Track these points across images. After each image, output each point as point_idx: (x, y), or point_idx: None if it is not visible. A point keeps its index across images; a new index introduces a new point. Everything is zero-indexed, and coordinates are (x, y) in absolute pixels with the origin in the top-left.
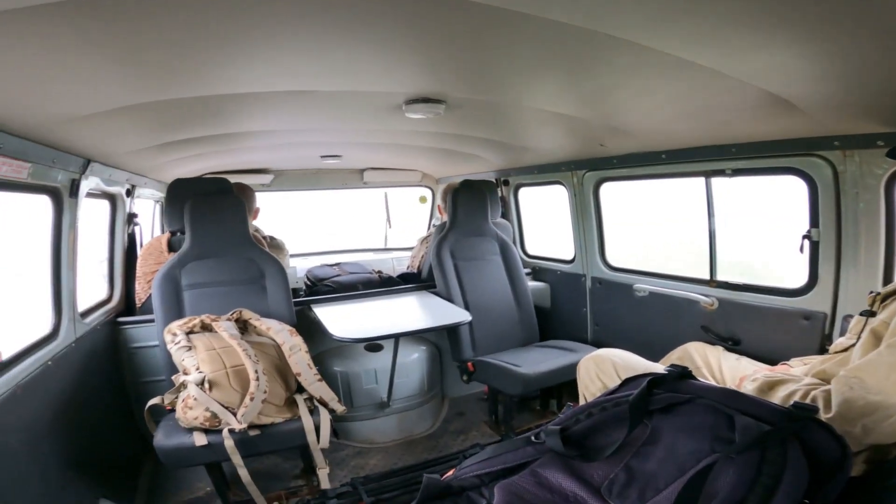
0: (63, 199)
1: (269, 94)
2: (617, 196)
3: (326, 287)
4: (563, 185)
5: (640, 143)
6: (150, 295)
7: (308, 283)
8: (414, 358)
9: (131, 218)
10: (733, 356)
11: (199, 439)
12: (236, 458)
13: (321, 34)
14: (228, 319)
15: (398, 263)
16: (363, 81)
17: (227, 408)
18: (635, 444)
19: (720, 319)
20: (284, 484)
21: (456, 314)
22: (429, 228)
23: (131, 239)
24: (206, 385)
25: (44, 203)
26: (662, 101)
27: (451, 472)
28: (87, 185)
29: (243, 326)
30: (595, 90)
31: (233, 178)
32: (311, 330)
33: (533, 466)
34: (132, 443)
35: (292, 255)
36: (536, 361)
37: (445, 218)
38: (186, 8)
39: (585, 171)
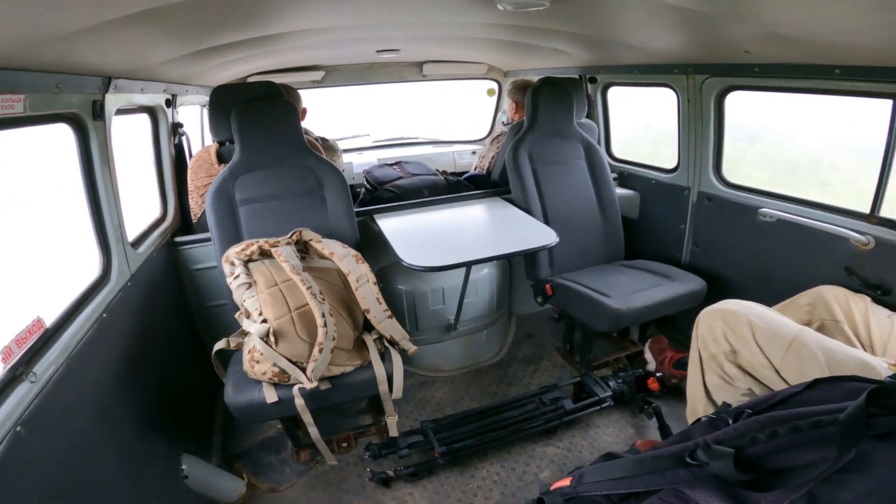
0: (86, 123)
1: None
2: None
3: (389, 192)
4: (673, 88)
5: (807, 53)
6: (205, 210)
7: (368, 185)
8: (484, 274)
9: (176, 128)
10: (884, 311)
11: (270, 395)
12: (307, 417)
13: None
14: (288, 243)
15: (459, 158)
16: None
17: (295, 363)
18: (822, 464)
19: (873, 263)
20: (351, 421)
21: (539, 233)
22: (493, 125)
23: (179, 150)
24: (272, 338)
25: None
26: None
27: (565, 482)
28: (114, 103)
29: (304, 248)
30: None
31: (280, 78)
32: (373, 242)
33: (665, 486)
34: (204, 381)
35: (344, 151)
36: (627, 290)
37: (517, 118)
38: None
39: (707, 76)
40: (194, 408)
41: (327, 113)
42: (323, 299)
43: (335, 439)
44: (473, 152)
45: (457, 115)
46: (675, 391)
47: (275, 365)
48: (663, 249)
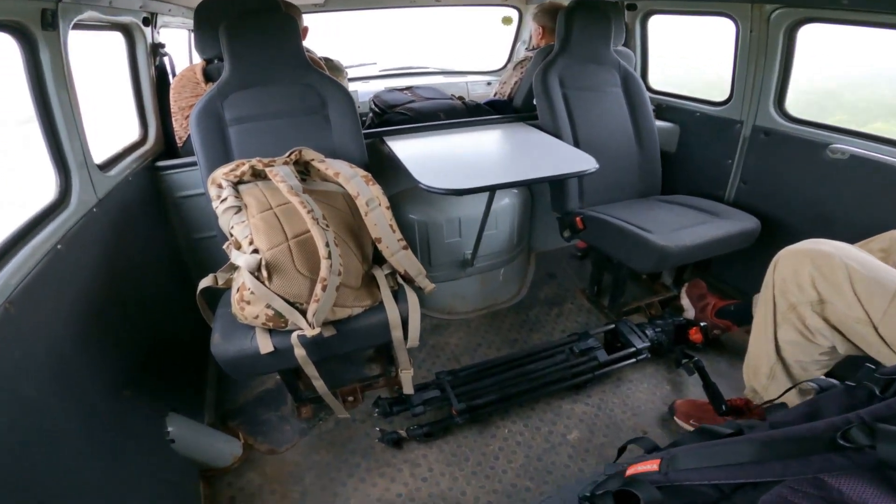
0: (34, 35)
1: None
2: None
3: (400, 115)
4: (733, 18)
5: None
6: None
7: (376, 109)
8: (505, 204)
9: (157, 49)
10: None
11: (264, 344)
12: (310, 369)
13: None
14: (286, 163)
15: (473, 89)
16: None
17: (293, 304)
18: None
19: None
20: (358, 371)
21: (577, 158)
22: (512, 53)
23: (161, 72)
24: (265, 272)
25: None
26: None
27: (649, 465)
28: (70, 13)
29: (304, 170)
30: None
31: None
32: (382, 168)
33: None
34: (194, 326)
35: (350, 79)
36: (671, 226)
37: (545, 43)
38: None
39: (778, 6)
40: (182, 359)
41: (331, 40)
42: (327, 226)
43: (339, 392)
44: (489, 83)
45: (468, 46)
46: (715, 344)
47: (268, 306)
48: (705, 185)
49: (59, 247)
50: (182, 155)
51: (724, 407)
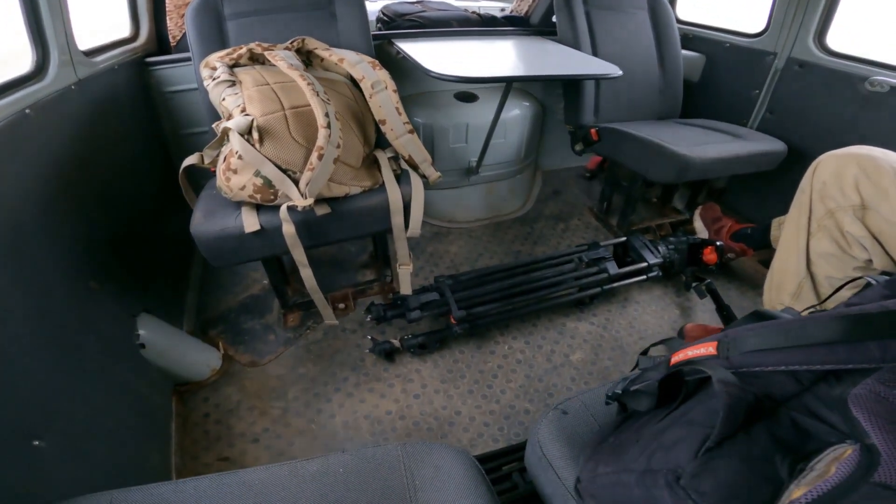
0: None
1: None
2: None
3: (410, 22)
4: None
5: None
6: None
7: (384, 18)
8: (514, 114)
9: None
10: None
11: (250, 223)
12: (298, 254)
13: None
14: (287, 48)
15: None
16: None
17: (286, 171)
18: None
19: None
20: (350, 276)
21: (598, 64)
22: None
23: None
24: (256, 134)
25: None
26: None
27: (703, 348)
28: None
29: (307, 59)
30: None
31: None
32: (391, 71)
33: None
34: (179, 223)
35: None
36: (693, 142)
37: None
38: None
39: None
40: (163, 255)
41: None
42: (328, 100)
43: (330, 298)
44: (502, 9)
45: None
46: (725, 270)
47: (258, 174)
48: (726, 114)
49: (27, 111)
50: (175, 54)
51: None
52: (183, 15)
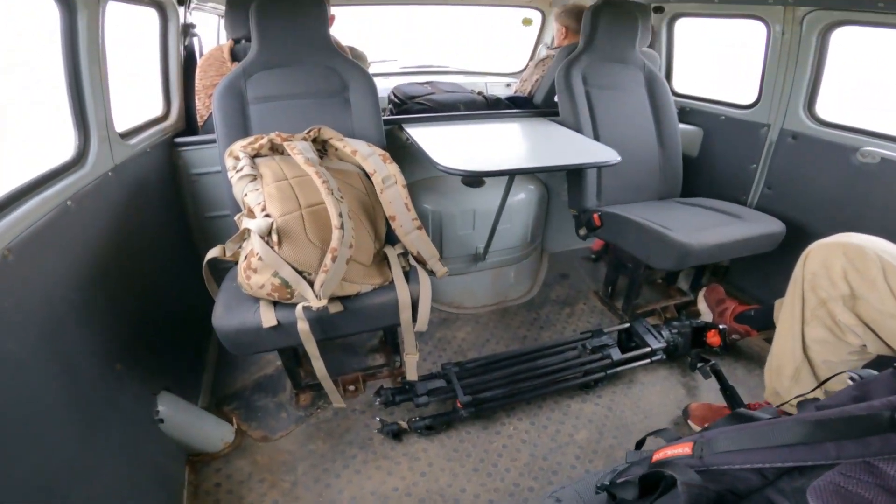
0: (74, 2)
1: None
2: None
3: (419, 105)
4: (764, 20)
5: None
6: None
7: (395, 100)
8: (520, 199)
9: (188, 29)
10: None
11: (267, 318)
12: (311, 347)
13: None
14: (304, 139)
15: (492, 90)
16: None
17: (301, 273)
18: None
19: None
20: (361, 360)
21: (599, 151)
22: (533, 53)
23: (189, 51)
24: (275, 236)
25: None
26: None
27: (680, 449)
28: None
29: (322, 148)
30: None
31: None
32: (399, 156)
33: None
34: (198, 304)
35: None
36: (691, 225)
37: (568, 42)
38: None
39: (813, 8)
40: (182, 337)
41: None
42: (341, 198)
43: (341, 381)
44: (508, 84)
45: (489, 48)
46: (733, 350)
47: (276, 275)
48: (727, 190)
49: (69, 203)
50: (201, 133)
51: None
52: (210, 95)
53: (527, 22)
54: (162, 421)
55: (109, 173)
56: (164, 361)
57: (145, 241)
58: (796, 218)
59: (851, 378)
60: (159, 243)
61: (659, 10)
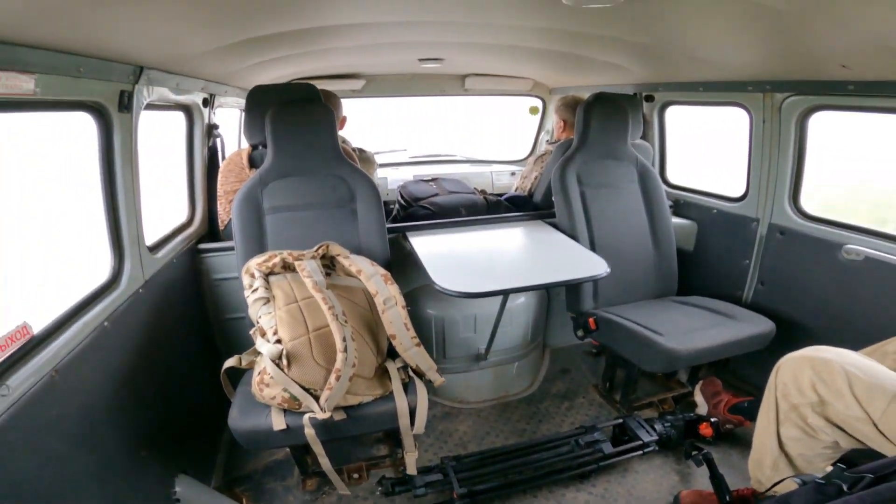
0: (110, 115)
1: None
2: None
3: (424, 210)
4: (746, 108)
5: None
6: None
7: (402, 202)
8: (520, 303)
9: (211, 129)
10: None
11: (278, 422)
12: (317, 448)
13: None
14: (313, 257)
15: (497, 179)
16: None
17: (308, 390)
18: None
19: None
20: (365, 450)
21: (588, 262)
22: (535, 144)
23: (213, 152)
24: (284, 360)
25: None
26: None
27: None
28: (144, 95)
29: (330, 263)
30: None
31: (321, 84)
32: (405, 262)
33: None
34: (214, 396)
35: (380, 165)
36: (682, 328)
37: (566, 136)
38: None
39: (791, 94)
40: (199, 424)
41: (365, 124)
42: (346, 321)
43: (346, 469)
44: (513, 173)
45: (497, 133)
46: (728, 437)
47: (285, 390)
48: (723, 286)
49: (105, 324)
50: (222, 237)
51: (728, 498)
52: (231, 200)
53: (534, 111)
54: (178, 501)
55: (140, 290)
56: (182, 446)
57: (170, 344)
58: (789, 314)
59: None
60: (183, 344)
61: (650, 98)
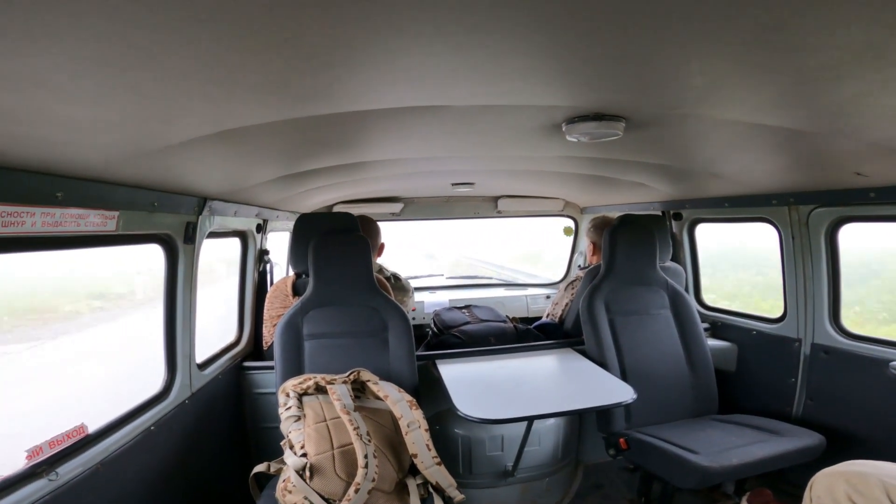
0: (177, 245)
1: (398, 111)
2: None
3: (454, 338)
4: (773, 223)
5: None
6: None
7: (434, 329)
8: (550, 424)
9: (262, 255)
10: None
11: None
12: None
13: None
14: (345, 382)
15: (533, 303)
16: (510, 92)
17: (328, 500)
18: None
19: None
20: None
21: (615, 389)
22: (570, 266)
23: (262, 276)
24: (307, 472)
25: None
26: None
27: None
28: (207, 225)
29: (360, 387)
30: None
31: (363, 208)
32: (434, 385)
33: None
34: (244, 495)
35: (417, 290)
36: (720, 445)
37: (595, 261)
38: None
39: (815, 206)
40: None
41: (405, 244)
42: (369, 440)
43: None
44: (548, 297)
45: (536, 253)
46: None
47: (306, 499)
48: (770, 404)
49: (152, 428)
50: (266, 357)
51: None
52: (275, 325)
53: (568, 231)
54: None
55: (186, 401)
56: None
57: (209, 448)
58: (841, 427)
59: None
60: (220, 449)
61: (678, 217)
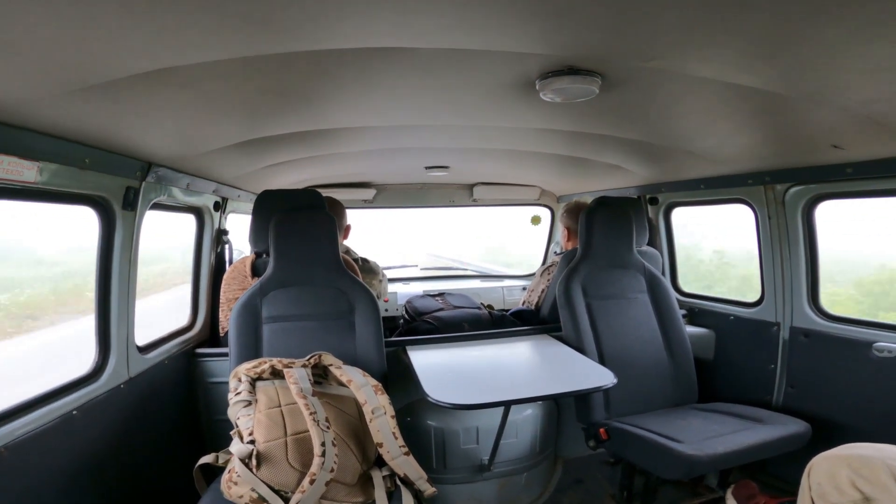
0: (114, 211)
1: (361, 52)
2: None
3: (426, 324)
4: (750, 203)
5: None
6: None
7: (406, 316)
8: (527, 415)
9: (220, 235)
10: None
11: None
12: None
13: None
14: (304, 366)
15: (509, 294)
16: (478, 30)
17: (278, 492)
18: None
19: None
20: None
21: (593, 373)
22: (546, 256)
23: (220, 258)
24: (254, 460)
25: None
26: None
27: None
28: (151, 194)
29: (322, 373)
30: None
31: (334, 193)
32: (404, 375)
33: None
34: (191, 491)
35: (391, 280)
36: (703, 434)
37: (570, 247)
38: None
39: (791, 184)
40: None
41: (376, 232)
42: (328, 427)
43: None
44: (524, 288)
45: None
46: None
47: (253, 490)
48: (749, 392)
49: (74, 412)
50: (223, 343)
51: None
52: (232, 308)
53: (535, 221)
54: None
55: (122, 386)
56: None
57: (152, 439)
58: (825, 414)
59: None
60: (167, 441)
61: (654, 201)
